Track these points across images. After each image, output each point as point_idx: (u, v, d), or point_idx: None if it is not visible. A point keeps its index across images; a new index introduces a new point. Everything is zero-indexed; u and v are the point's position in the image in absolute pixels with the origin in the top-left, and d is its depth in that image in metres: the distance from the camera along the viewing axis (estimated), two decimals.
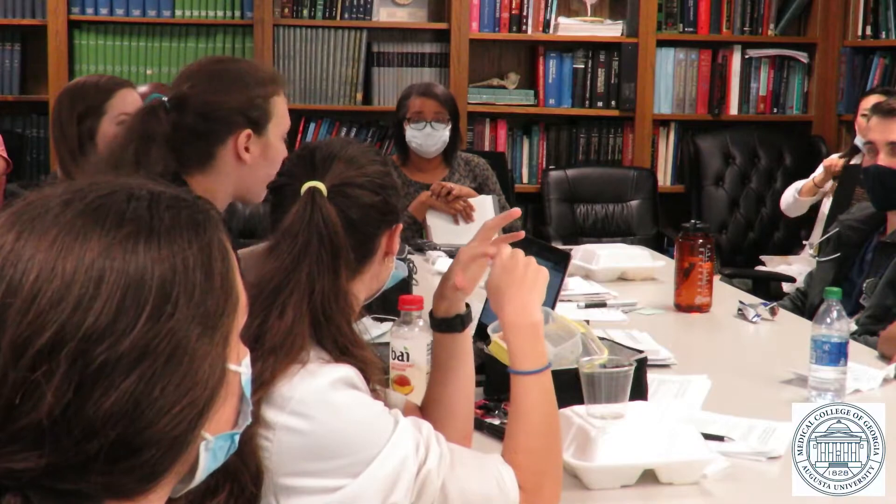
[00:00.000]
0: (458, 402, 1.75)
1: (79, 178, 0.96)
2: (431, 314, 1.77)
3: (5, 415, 0.80)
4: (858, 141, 4.60)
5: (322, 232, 1.52)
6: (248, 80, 2.20)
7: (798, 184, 4.81)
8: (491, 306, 1.70)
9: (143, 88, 3.60)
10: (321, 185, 1.55)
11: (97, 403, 0.81)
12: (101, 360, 0.81)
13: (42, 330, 0.80)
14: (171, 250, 0.85)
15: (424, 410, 1.77)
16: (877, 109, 3.09)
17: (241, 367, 0.94)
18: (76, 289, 0.81)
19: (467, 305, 1.77)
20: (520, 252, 1.69)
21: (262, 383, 1.43)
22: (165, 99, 2.16)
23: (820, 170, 4.76)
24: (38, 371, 0.79)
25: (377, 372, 1.56)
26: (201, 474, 0.92)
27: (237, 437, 0.96)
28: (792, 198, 4.80)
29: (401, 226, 1.67)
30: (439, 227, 3.98)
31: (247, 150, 2.17)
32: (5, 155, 4.30)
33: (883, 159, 3.03)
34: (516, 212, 1.80)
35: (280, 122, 2.25)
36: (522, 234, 1.81)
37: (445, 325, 1.75)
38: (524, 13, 5.24)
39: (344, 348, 1.52)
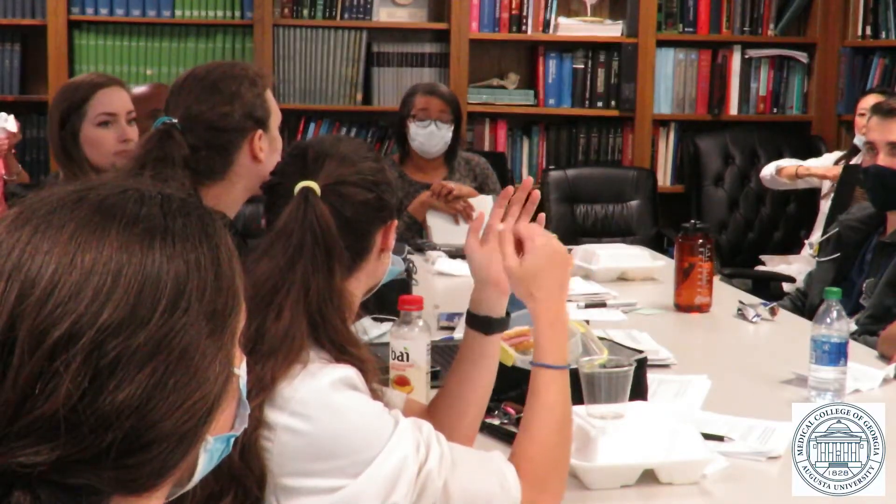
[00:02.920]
0: (470, 403, 1.74)
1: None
2: (469, 306, 1.74)
3: (19, 405, 0.81)
4: (857, 140, 4.61)
5: (316, 231, 1.52)
6: (243, 82, 2.25)
7: (782, 162, 4.81)
8: (520, 293, 1.66)
9: (142, 88, 3.59)
10: (314, 185, 1.55)
11: (111, 395, 0.82)
12: (116, 353, 0.82)
13: (59, 321, 0.81)
14: (184, 249, 0.87)
15: (435, 405, 1.76)
16: (876, 110, 3.09)
17: (240, 370, 0.96)
18: (94, 281, 0.83)
19: (508, 314, 1.74)
20: (553, 239, 1.66)
21: (263, 387, 1.43)
22: (175, 121, 2.19)
23: (812, 162, 4.78)
24: (55, 362, 0.80)
25: (374, 370, 1.56)
26: (198, 476, 0.93)
27: (232, 441, 0.97)
28: (770, 175, 4.82)
29: (396, 222, 1.67)
30: (439, 227, 3.98)
31: (260, 149, 2.24)
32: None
33: (883, 159, 3.03)
34: (528, 181, 1.73)
35: (276, 114, 2.36)
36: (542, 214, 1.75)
37: (472, 319, 1.73)
38: (524, 13, 5.24)
39: (341, 347, 1.51)
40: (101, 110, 2.90)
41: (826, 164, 4.80)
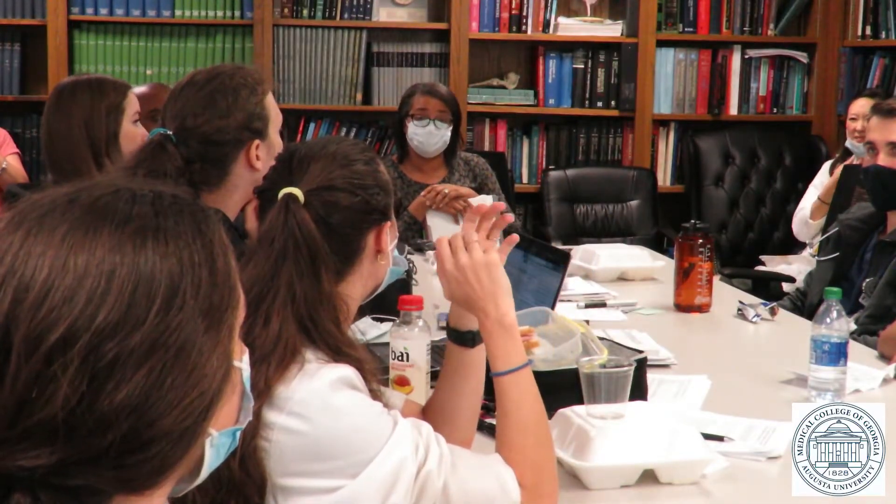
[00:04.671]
0: (461, 412, 1.74)
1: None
2: (447, 322, 1.75)
3: (18, 410, 0.81)
4: (849, 144, 4.60)
5: (297, 237, 1.51)
6: (241, 92, 2.22)
7: (805, 207, 4.71)
8: (453, 317, 1.69)
9: (142, 89, 3.59)
10: (297, 191, 1.54)
11: (109, 396, 0.82)
12: (112, 354, 0.82)
13: (55, 325, 0.81)
14: (177, 247, 0.87)
15: (426, 413, 1.76)
16: (877, 110, 3.09)
17: (243, 363, 0.95)
18: (88, 284, 0.83)
19: None
20: (461, 255, 1.64)
21: (259, 393, 1.42)
22: (171, 133, 2.18)
23: (820, 180, 4.72)
24: (52, 366, 0.80)
25: (373, 371, 1.55)
26: (206, 471, 0.93)
27: (238, 434, 0.97)
28: (805, 224, 4.69)
29: (389, 224, 1.64)
30: (439, 227, 3.98)
31: (258, 158, 2.22)
32: (17, 151, 4.31)
33: (883, 159, 3.03)
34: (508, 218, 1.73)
35: (276, 119, 2.31)
36: (516, 237, 1.74)
37: (456, 336, 1.73)
38: (524, 13, 5.24)
39: (337, 349, 1.51)
40: (137, 108, 2.99)
41: (824, 180, 4.75)
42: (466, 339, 1.72)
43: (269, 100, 2.29)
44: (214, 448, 0.93)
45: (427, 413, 1.76)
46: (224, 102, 2.21)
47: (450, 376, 1.74)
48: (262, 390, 1.42)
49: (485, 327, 1.63)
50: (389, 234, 1.65)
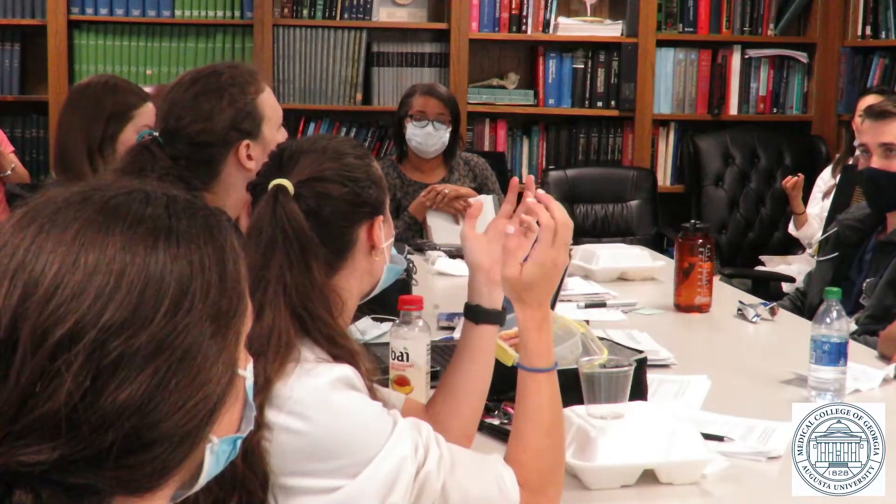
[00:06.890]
0: (465, 396, 1.73)
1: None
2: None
3: (21, 404, 0.81)
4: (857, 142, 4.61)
5: (286, 228, 1.51)
6: (230, 91, 2.20)
7: (791, 222, 4.76)
8: (510, 296, 1.64)
9: (147, 90, 3.58)
10: (286, 183, 1.55)
11: (113, 395, 0.82)
12: (118, 353, 0.82)
13: (62, 320, 0.81)
14: (188, 249, 0.87)
15: (432, 399, 1.76)
16: (869, 112, 3.09)
17: (247, 371, 0.95)
18: (97, 281, 0.83)
19: (504, 310, 1.73)
20: (562, 253, 1.61)
21: (259, 388, 1.42)
22: (157, 134, 2.18)
23: (824, 181, 4.73)
24: (56, 361, 0.81)
25: (366, 363, 1.55)
26: (204, 478, 0.93)
27: (239, 443, 0.97)
28: (795, 233, 4.75)
29: (381, 218, 1.64)
30: (439, 227, 3.98)
31: (249, 157, 2.19)
32: (13, 149, 4.30)
33: (876, 161, 3.03)
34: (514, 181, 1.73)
35: (272, 117, 2.26)
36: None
37: (465, 308, 1.74)
38: (524, 13, 5.24)
39: (331, 339, 1.51)
40: (147, 121, 2.88)
41: (826, 180, 4.76)
42: (472, 312, 1.73)
43: (264, 98, 2.25)
44: (215, 455, 0.92)
45: (432, 398, 1.77)
46: (208, 104, 2.18)
47: (457, 353, 1.75)
48: (263, 385, 1.43)
49: (532, 321, 1.60)
50: (383, 231, 1.64)
